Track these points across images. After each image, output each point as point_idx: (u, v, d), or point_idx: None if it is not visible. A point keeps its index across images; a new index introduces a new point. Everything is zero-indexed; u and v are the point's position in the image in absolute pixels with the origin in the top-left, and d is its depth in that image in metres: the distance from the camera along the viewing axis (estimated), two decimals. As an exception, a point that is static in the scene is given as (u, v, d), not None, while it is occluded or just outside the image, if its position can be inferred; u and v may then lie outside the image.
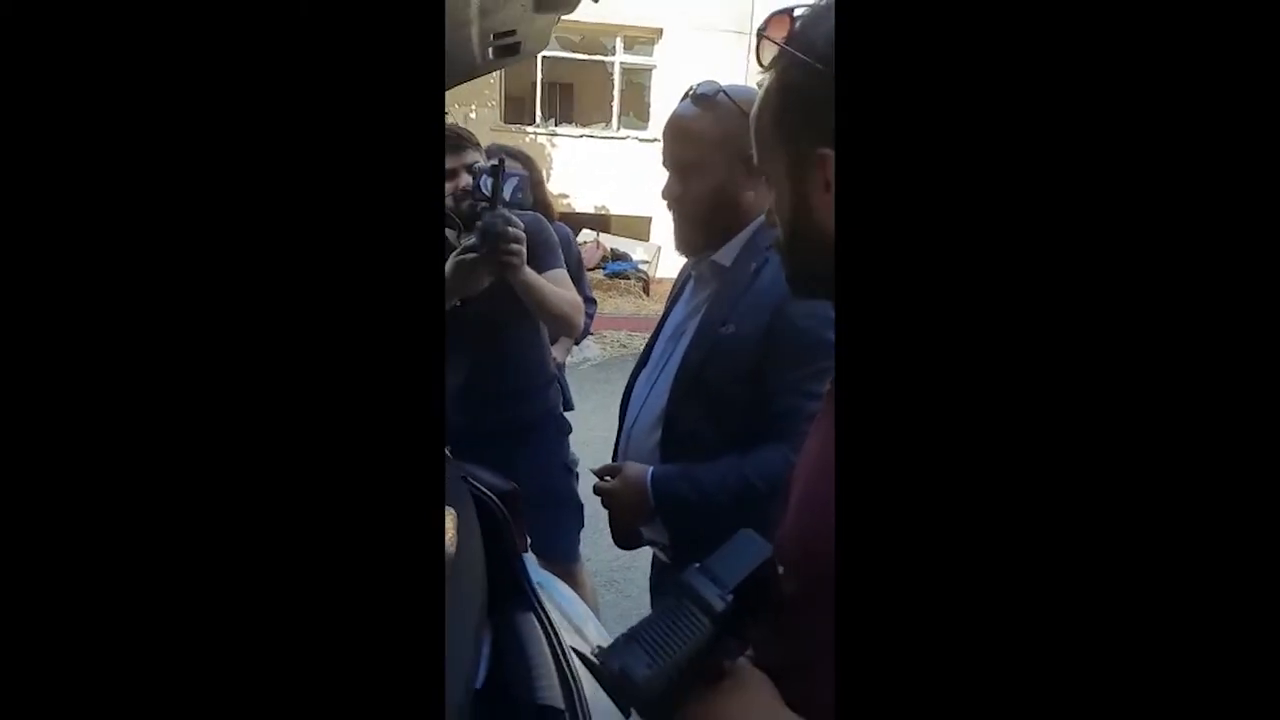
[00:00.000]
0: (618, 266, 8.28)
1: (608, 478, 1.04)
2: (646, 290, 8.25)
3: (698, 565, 0.48)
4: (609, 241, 8.43)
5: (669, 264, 8.31)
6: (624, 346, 6.11)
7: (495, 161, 1.28)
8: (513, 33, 0.88)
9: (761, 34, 0.57)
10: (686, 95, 1.00)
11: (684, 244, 1.06)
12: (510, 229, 1.24)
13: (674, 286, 1.18)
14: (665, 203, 1.03)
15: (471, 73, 0.99)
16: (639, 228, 8.62)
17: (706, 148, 0.97)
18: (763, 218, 0.99)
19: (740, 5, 8.08)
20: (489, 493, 1.11)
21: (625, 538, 1.14)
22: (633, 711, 0.46)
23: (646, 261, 8.47)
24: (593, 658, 0.45)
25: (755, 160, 0.59)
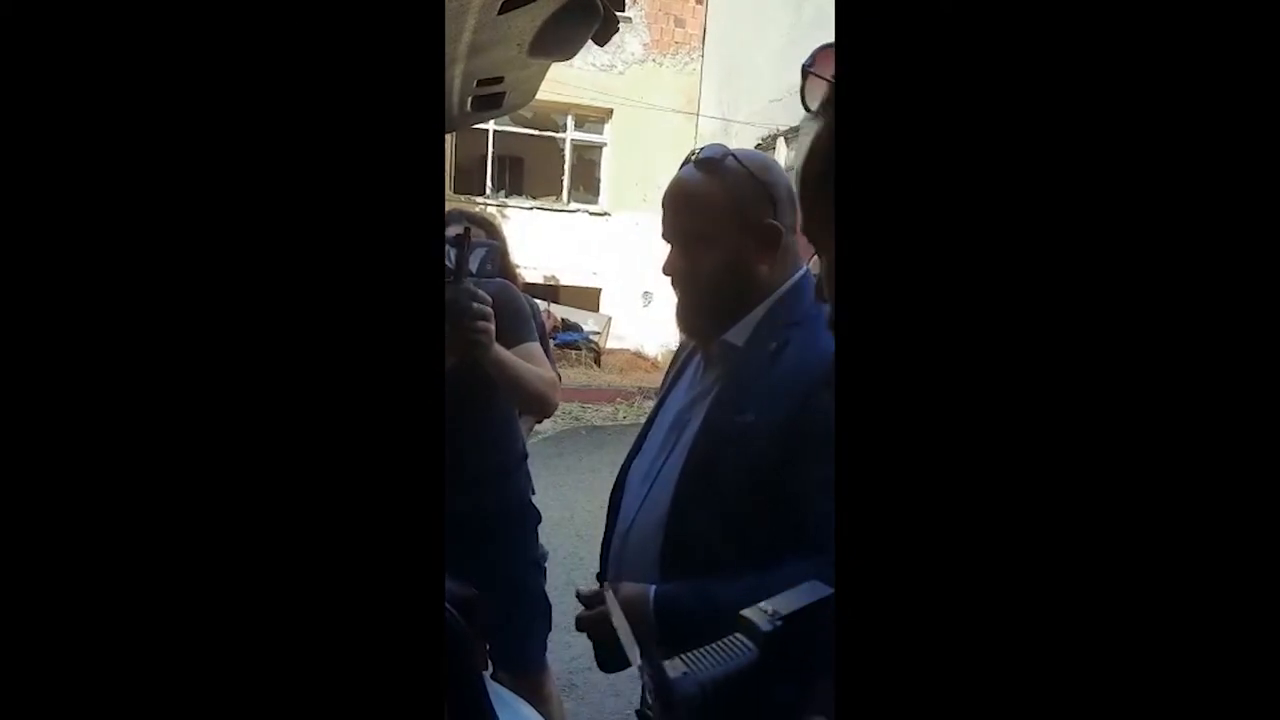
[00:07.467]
0: (568, 337, 8.23)
1: (600, 604, 0.80)
2: (598, 361, 8.26)
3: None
4: (559, 311, 8.41)
5: (618, 335, 8.46)
6: (576, 419, 5.94)
7: (460, 230, 1.14)
8: (499, 80, 0.78)
9: (808, 70, 0.48)
10: (689, 160, 0.89)
11: (688, 324, 0.93)
12: (476, 305, 1.09)
13: (672, 366, 1.03)
14: (669, 279, 0.91)
15: (446, 124, 0.89)
16: (588, 299, 8.68)
17: (715, 217, 0.85)
18: (780, 292, 0.89)
19: (688, 88, 8.55)
20: (446, 603, 0.96)
21: (612, 663, 0.97)
22: None
23: (597, 332, 8.49)
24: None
25: (800, 223, 0.49)
